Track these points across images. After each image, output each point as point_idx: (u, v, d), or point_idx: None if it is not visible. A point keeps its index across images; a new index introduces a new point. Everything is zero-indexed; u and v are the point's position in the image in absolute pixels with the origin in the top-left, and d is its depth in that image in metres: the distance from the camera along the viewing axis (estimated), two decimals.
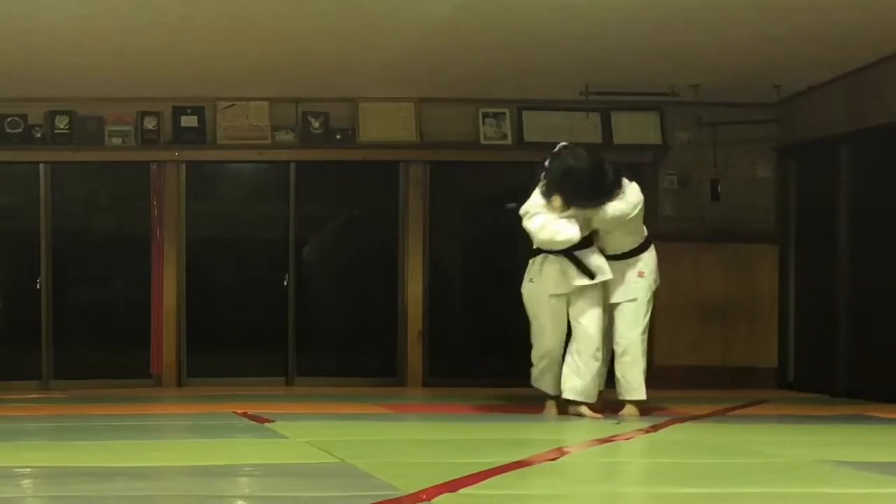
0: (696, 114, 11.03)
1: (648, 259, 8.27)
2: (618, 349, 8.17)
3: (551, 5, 8.19)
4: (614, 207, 8.03)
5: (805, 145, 10.90)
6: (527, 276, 8.19)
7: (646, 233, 8.31)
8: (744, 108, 11.04)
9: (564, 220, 7.95)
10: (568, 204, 7.94)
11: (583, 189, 7.94)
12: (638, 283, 8.18)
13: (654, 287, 8.28)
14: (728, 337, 11.31)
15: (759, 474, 5.37)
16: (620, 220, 8.06)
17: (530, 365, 8.30)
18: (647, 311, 8.22)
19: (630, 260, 8.20)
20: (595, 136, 11.22)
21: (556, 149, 8.17)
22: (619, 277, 8.16)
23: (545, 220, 7.96)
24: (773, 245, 11.32)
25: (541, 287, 8.07)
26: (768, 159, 11.37)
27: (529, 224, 8.02)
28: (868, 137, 9.94)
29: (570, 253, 7.99)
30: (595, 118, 11.22)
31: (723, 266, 11.31)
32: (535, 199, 8.07)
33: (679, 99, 10.87)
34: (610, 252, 8.15)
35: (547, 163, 8.09)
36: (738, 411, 8.73)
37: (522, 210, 8.08)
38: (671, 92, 10.74)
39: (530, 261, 8.18)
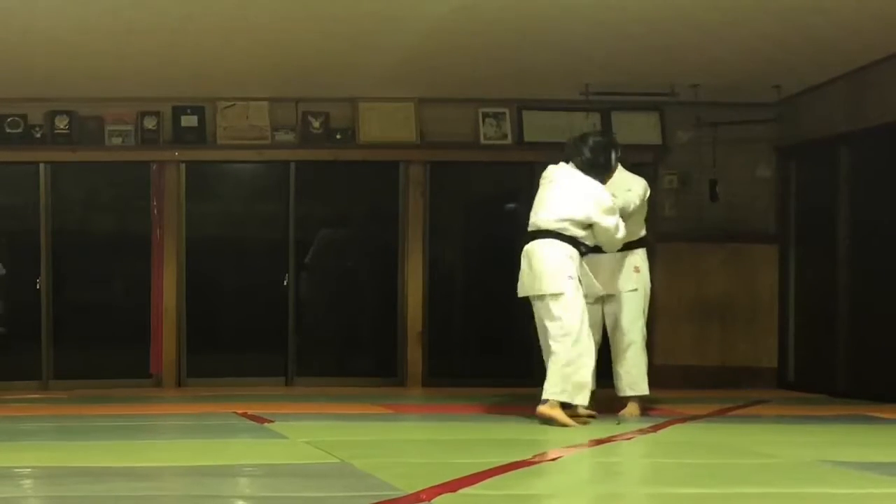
0: (696, 114, 11.03)
1: (643, 256, 8.29)
2: (621, 345, 8.16)
3: (551, 5, 8.19)
4: (635, 194, 8.08)
5: (805, 145, 10.90)
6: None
7: (644, 232, 8.31)
8: (744, 108, 11.03)
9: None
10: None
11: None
12: (631, 278, 8.20)
13: (648, 286, 8.30)
14: (728, 337, 11.31)
15: (759, 474, 5.37)
16: (637, 208, 8.11)
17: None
18: (645, 306, 8.24)
19: (627, 252, 8.20)
20: None
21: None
22: (618, 268, 8.18)
23: (619, 221, 7.87)
24: (773, 245, 11.32)
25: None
26: (768, 159, 11.37)
27: (613, 223, 7.77)
28: (868, 137, 9.94)
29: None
30: (595, 118, 11.21)
31: (723, 266, 11.31)
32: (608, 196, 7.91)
33: (679, 99, 10.87)
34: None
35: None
36: (738, 411, 8.74)
37: (619, 203, 7.87)
38: (671, 92, 10.74)
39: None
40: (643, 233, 8.34)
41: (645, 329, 8.26)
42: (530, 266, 7.72)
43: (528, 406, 8.38)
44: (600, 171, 7.89)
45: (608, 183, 8.01)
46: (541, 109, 11.25)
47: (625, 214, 7.98)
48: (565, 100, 11.01)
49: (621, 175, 8.19)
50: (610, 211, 7.75)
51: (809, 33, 8.82)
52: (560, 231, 7.67)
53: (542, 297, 7.64)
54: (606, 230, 7.75)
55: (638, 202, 8.15)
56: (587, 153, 7.88)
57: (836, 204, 10.37)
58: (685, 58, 9.65)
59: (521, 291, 7.85)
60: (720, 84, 10.45)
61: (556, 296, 7.56)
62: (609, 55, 9.55)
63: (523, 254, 7.82)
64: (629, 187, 8.15)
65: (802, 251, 11.07)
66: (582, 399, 7.55)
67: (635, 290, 8.18)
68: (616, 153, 8.01)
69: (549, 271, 7.62)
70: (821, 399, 9.98)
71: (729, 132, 11.12)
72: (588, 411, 7.77)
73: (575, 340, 7.49)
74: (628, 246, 8.21)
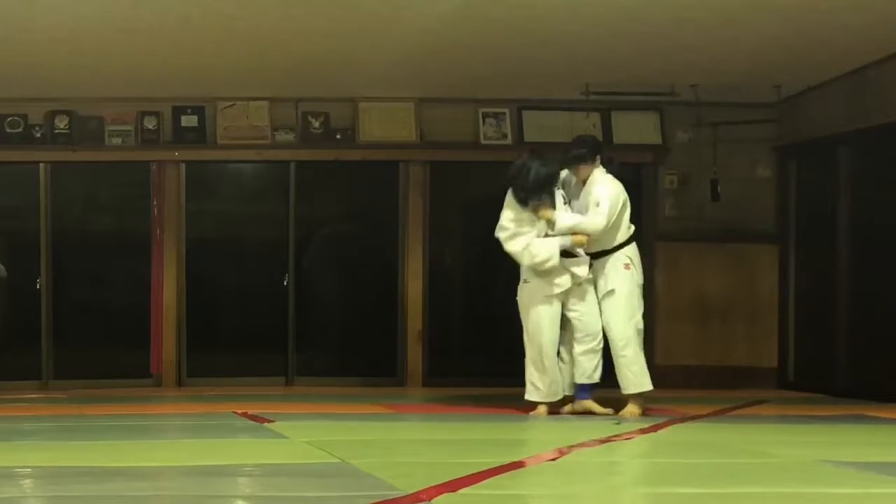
0: (696, 114, 11.03)
1: (632, 253, 8.29)
2: (618, 345, 8.17)
3: (551, 5, 8.19)
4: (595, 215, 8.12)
5: (805, 145, 10.90)
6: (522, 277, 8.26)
7: (632, 230, 8.33)
8: (744, 108, 11.03)
9: (543, 239, 8.02)
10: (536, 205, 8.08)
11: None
12: (622, 275, 8.20)
13: (640, 282, 8.29)
14: (728, 337, 11.31)
15: (759, 474, 5.37)
16: (610, 220, 8.11)
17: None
18: (639, 304, 8.24)
19: (615, 254, 8.22)
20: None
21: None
22: (602, 271, 8.21)
23: (525, 241, 8.04)
24: (773, 245, 11.32)
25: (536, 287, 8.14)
26: (768, 159, 11.37)
27: (511, 246, 8.10)
28: (868, 137, 9.94)
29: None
30: (595, 118, 11.22)
31: (723, 266, 11.31)
32: (508, 216, 8.13)
33: (679, 99, 10.87)
34: (597, 248, 8.19)
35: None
36: (738, 411, 8.74)
37: (502, 234, 8.12)
38: (671, 92, 10.74)
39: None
40: (628, 236, 8.29)
41: (641, 324, 8.26)
42: None
43: (528, 406, 8.40)
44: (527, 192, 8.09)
45: (581, 185, 8.26)
46: (541, 109, 11.25)
47: (597, 234, 8.12)
48: (565, 100, 11.01)
49: (594, 178, 8.24)
50: (500, 228, 8.16)
51: (809, 33, 8.82)
52: None
53: None
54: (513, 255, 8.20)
55: (605, 217, 8.08)
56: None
57: (836, 204, 10.37)
58: (685, 58, 9.65)
59: None
60: (720, 84, 10.45)
61: None
62: (609, 55, 9.54)
63: None
64: (598, 201, 8.11)
65: (802, 251, 11.07)
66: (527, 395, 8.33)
67: (612, 291, 8.19)
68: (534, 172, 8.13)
69: None
70: (821, 399, 9.98)
71: (729, 132, 11.11)
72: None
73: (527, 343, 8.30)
74: (614, 249, 8.23)
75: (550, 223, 8.06)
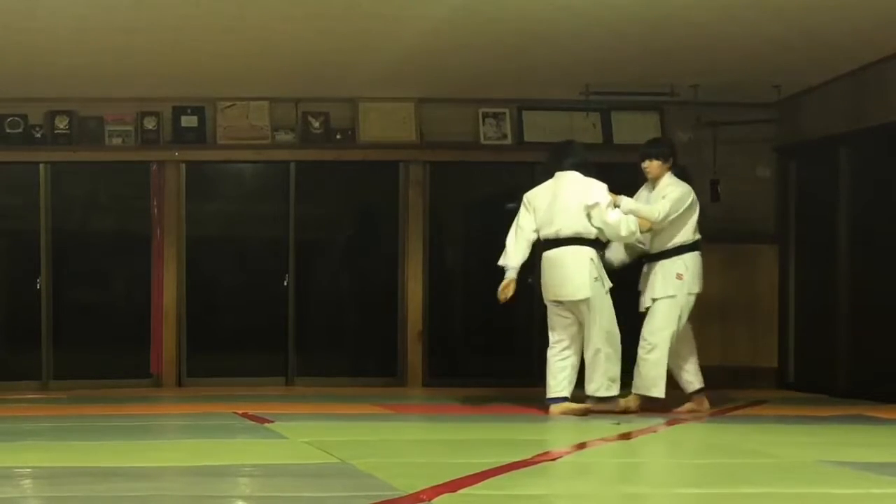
0: (696, 114, 11.03)
1: (690, 261, 8.36)
2: (646, 345, 8.24)
3: (551, 5, 8.19)
4: (667, 201, 8.30)
5: (805, 145, 10.90)
6: (589, 276, 8.14)
7: (695, 236, 8.43)
8: (744, 108, 11.03)
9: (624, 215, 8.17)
10: None
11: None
12: (672, 284, 8.32)
13: (693, 291, 8.37)
14: (728, 337, 11.30)
15: (759, 474, 5.37)
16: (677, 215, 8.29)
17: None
18: (683, 314, 8.34)
19: (671, 259, 8.30)
20: (595, 136, 11.22)
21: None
22: (661, 275, 8.30)
23: (617, 213, 8.11)
24: (773, 245, 11.32)
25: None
26: (768, 159, 11.37)
27: (610, 216, 8.06)
28: (868, 137, 9.94)
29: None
30: (595, 118, 11.21)
31: (723, 266, 11.29)
32: (604, 189, 8.15)
33: (679, 99, 10.86)
34: (656, 247, 8.35)
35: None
36: (738, 411, 8.74)
37: (598, 200, 8.08)
38: (671, 92, 10.73)
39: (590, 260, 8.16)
40: (690, 241, 8.38)
41: (674, 337, 8.35)
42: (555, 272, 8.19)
43: (529, 406, 8.40)
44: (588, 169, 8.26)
45: (651, 189, 8.46)
46: (541, 109, 11.24)
47: (656, 223, 8.24)
48: (565, 100, 11.00)
49: (665, 181, 8.35)
50: (594, 196, 8.11)
51: (809, 33, 8.82)
52: (580, 235, 8.12)
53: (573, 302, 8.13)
54: (606, 224, 8.05)
55: (667, 209, 8.22)
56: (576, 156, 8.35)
57: (836, 204, 10.37)
58: (685, 58, 9.65)
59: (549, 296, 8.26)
60: (720, 84, 10.45)
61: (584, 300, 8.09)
62: (609, 55, 9.54)
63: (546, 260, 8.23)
64: (664, 194, 8.27)
65: (802, 251, 11.07)
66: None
67: (673, 296, 8.29)
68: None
69: (574, 277, 8.10)
70: (821, 399, 9.98)
71: (729, 132, 11.12)
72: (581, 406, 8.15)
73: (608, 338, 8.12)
74: (671, 252, 8.32)
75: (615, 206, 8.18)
